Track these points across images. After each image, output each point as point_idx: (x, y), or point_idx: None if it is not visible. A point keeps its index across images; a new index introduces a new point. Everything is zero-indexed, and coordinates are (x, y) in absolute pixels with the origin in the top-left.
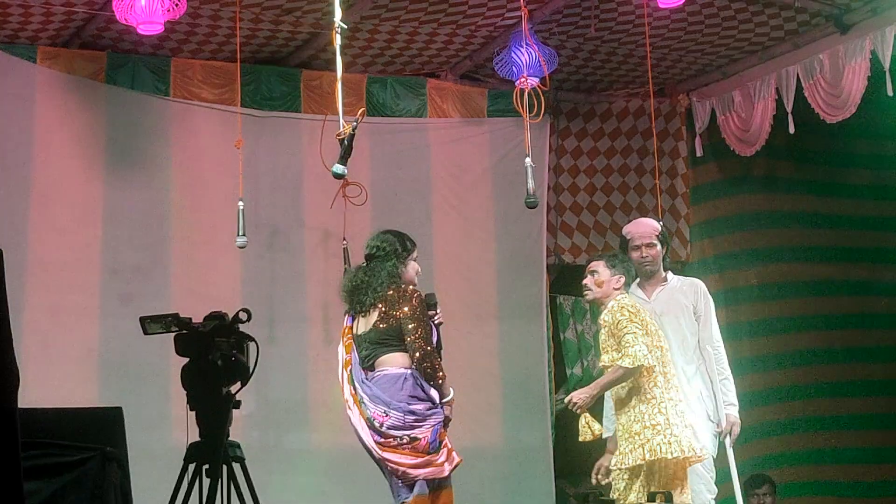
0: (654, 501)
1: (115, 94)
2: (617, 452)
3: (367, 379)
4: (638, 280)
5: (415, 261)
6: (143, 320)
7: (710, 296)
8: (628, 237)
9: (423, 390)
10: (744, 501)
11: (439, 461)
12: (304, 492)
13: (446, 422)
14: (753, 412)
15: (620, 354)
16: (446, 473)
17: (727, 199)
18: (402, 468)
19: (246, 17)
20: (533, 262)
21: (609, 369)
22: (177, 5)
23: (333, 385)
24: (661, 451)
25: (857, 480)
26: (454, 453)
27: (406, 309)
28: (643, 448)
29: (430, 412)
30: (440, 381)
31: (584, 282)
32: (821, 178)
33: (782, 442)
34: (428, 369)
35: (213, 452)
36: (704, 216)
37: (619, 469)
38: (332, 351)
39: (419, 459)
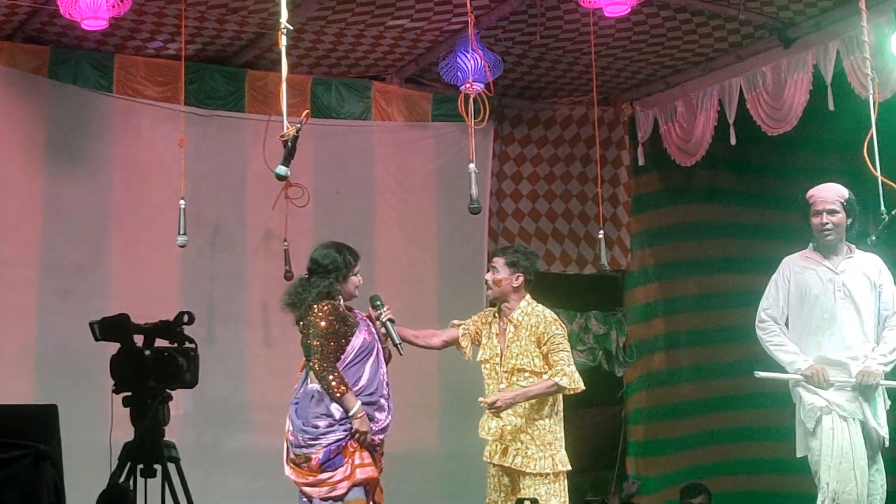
0: None
1: (58, 90)
2: (522, 453)
3: (297, 393)
4: (813, 246)
5: (356, 275)
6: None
7: (885, 268)
8: (811, 201)
9: (327, 406)
10: None
11: (333, 479)
12: (241, 493)
13: (357, 435)
14: (691, 421)
15: (556, 370)
16: (341, 491)
17: (668, 208)
18: (299, 486)
19: (191, 16)
20: (474, 267)
21: (541, 381)
22: (122, 1)
23: (272, 386)
24: (564, 465)
25: (793, 491)
26: (368, 469)
27: (311, 327)
28: (553, 459)
29: (326, 430)
30: (339, 396)
31: (486, 277)
32: (761, 190)
33: (719, 451)
34: (324, 386)
35: (148, 452)
36: (645, 225)
37: (522, 470)
38: (271, 352)
39: (311, 478)
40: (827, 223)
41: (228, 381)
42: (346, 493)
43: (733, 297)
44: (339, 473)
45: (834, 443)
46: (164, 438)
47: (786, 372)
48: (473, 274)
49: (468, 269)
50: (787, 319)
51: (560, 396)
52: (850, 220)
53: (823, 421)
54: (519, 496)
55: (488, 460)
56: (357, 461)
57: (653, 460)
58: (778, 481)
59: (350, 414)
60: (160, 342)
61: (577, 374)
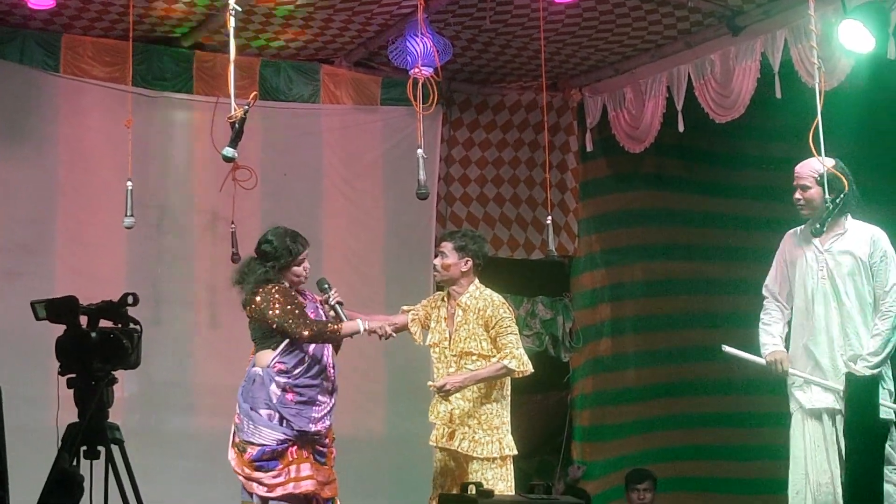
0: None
1: (4, 69)
2: (469, 438)
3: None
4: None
5: (300, 264)
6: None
7: (887, 244)
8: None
9: (268, 392)
10: (625, 497)
11: (262, 481)
12: (186, 475)
13: (381, 331)
14: (636, 407)
15: (504, 354)
16: (259, 493)
17: (616, 195)
18: (236, 474)
19: None
20: (421, 251)
21: (489, 364)
22: None
23: (218, 368)
24: (511, 449)
25: (734, 477)
26: (305, 483)
27: (268, 308)
28: (500, 443)
29: (268, 424)
30: (340, 332)
31: (434, 261)
32: (708, 178)
33: (664, 437)
34: (326, 341)
35: (92, 433)
36: (593, 211)
37: (469, 454)
38: (218, 334)
39: (245, 470)
40: (799, 199)
41: (174, 363)
42: (274, 498)
43: (680, 284)
44: (267, 477)
45: (805, 439)
46: (108, 420)
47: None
48: (421, 258)
49: (416, 253)
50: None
51: (507, 381)
52: (832, 194)
53: (794, 416)
54: (466, 481)
55: (435, 444)
56: (294, 473)
57: (598, 445)
58: (722, 467)
59: (364, 331)
60: (104, 323)
61: (525, 357)
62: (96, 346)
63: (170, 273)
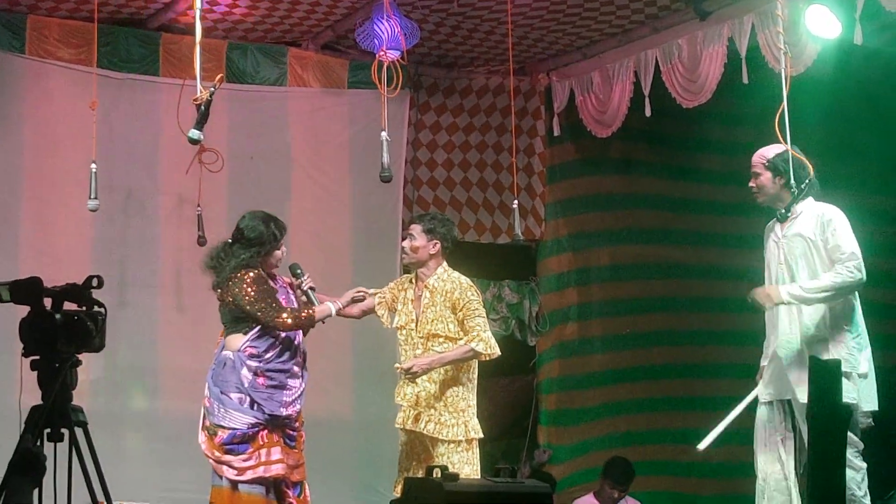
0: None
1: None
2: (434, 420)
3: (215, 360)
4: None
5: (279, 248)
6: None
7: (837, 217)
8: None
9: (238, 376)
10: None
11: (232, 464)
12: (151, 458)
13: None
14: (602, 391)
15: (472, 336)
16: (241, 478)
17: (583, 179)
18: (207, 458)
19: None
20: (388, 235)
21: (456, 347)
22: None
23: (183, 352)
24: (476, 433)
25: (701, 461)
26: (276, 467)
27: (240, 296)
28: (465, 426)
29: (238, 408)
30: (313, 317)
31: (403, 244)
32: (675, 162)
33: (630, 421)
34: (301, 326)
35: (55, 416)
36: (560, 195)
37: (435, 437)
38: (184, 318)
39: (215, 453)
40: (752, 186)
41: (140, 346)
42: (245, 482)
43: (646, 268)
44: (238, 461)
45: (761, 429)
46: (72, 403)
47: None
48: (388, 242)
49: (383, 236)
50: None
51: (475, 364)
52: (783, 179)
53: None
54: (431, 464)
55: (401, 427)
56: (265, 457)
57: (564, 429)
58: (689, 451)
59: (335, 314)
60: (69, 306)
61: (493, 340)
62: (60, 328)
63: (135, 256)
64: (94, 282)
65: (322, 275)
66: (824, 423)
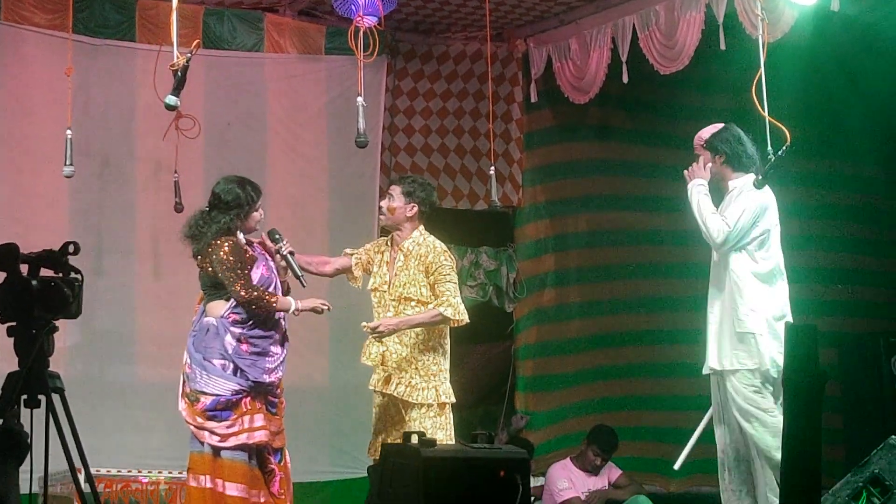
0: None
1: None
2: (405, 383)
3: (194, 326)
4: None
5: (257, 210)
6: None
7: (743, 194)
8: None
9: (222, 342)
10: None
11: (216, 430)
12: (128, 425)
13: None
14: (579, 357)
15: (441, 301)
16: (211, 442)
17: (560, 145)
18: (188, 424)
19: None
20: (365, 201)
21: (425, 310)
22: None
23: (161, 319)
24: (448, 397)
25: (678, 427)
26: (258, 434)
27: (216, 261)
28: (436, 390)
29: (221, 374)
30: (274, 304)
31: (381, 203)
32: (653, 129)
33: (607, 387)
34: (257, 309)
35: (32, 382)
36: (537, 162)
37: (405, 400)
38: (162, 284)
39: (197, 420)
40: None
41: (117, 313)
42: (227, 448)
43: (624, 235)
44: (221, 427)
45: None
46: (49, 369)
47: None
48: (365, 208)
49: (360, 203)
50: None
51: (447, 330)
52: (721, 157)
53: None
54: (404, 428)
55: (373, 388)
56: (248, 424)
57: (541, 395)
58: (666, 417)
59: (293, 311)
60: (45, 272)
61: (462, 307)
62: (37, 294)
63: (112, 223)
64: (71, 248)
65: (299, 240)
66: (799, 389)
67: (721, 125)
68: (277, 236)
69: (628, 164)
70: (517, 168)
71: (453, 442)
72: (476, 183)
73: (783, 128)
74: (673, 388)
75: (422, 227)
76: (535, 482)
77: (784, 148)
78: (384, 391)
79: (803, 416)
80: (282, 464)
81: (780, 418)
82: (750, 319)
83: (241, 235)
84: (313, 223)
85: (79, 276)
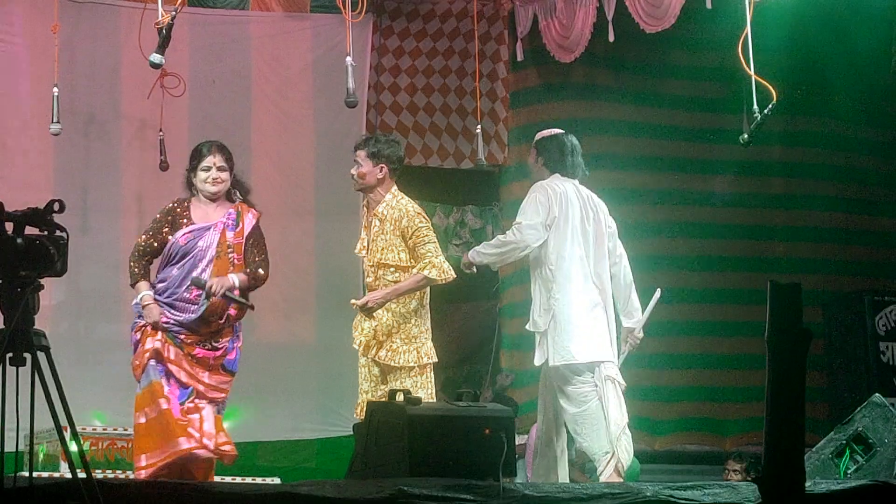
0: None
1: None
2: (387, 347)
3: None
4: None
5: (204, 170)
6: None
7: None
8: None
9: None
10: None
11: (133, 363)
12: (114, 382)
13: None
14: None
15: (424, 264)
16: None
17: (546, 104)
18: None
19: None
20: (351, 160)
21: (410, 276)
22: None
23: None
24: (430, 357)
25: (658, 385)
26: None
27: None
28: (418, 352)
29: (137, 313)
30: (131, 284)
31: (351, 171)
32: (639, 88)
33: None
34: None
35: (18, 340)
36: (523, 120)
37: (388, 363)
38: None
39: None
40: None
41: (103, 271)
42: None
43: (609, 193)
44: (136, 358)
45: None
46: (35, 327)
47: None
48: (350, 167)
49: (345, 161)
50: None
51: (427, 290)
52: (542, 159)
53: None
54: (390, 388)
55: (357, 348)
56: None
57: (527, 354)
58: (649, 374)
59: (134, 303)
60: (30, 230)
61: (446, 265)
62: (22, 252)
63: (98, 181)
64: (56, 206)
65: (285, 199)
66: (783, 347)
67: (558, 131)
68: (202, 283)
69: (614, 123)
70: (503, 127)
71: (435, 401)
72: (462, 142)
73: (769, 86)
74: (658, 346)
75: (394, 188)
76: (519, 440)
77: (770, 106)
78: (366, 355)
79: (786, 374)
80: (185, 406)
81: None
82: None
83: (199, 196)
84: (299, 181)
85: (64, 235)
